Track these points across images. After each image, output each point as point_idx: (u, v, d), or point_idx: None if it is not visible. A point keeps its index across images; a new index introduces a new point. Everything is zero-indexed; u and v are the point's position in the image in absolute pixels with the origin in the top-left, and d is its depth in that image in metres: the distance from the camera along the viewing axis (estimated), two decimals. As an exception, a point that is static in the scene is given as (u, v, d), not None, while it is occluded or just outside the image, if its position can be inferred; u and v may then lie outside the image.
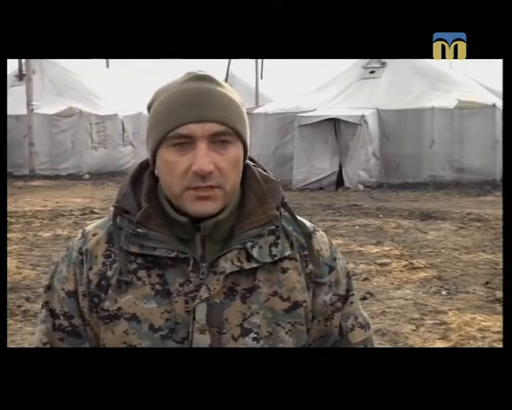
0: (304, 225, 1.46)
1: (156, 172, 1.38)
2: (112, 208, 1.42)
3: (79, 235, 1.45)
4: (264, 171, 1.46)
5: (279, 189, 1.43)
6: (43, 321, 1.45)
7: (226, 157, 1.33)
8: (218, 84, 1.36)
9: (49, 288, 1.45)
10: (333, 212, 11.70)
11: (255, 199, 1.40)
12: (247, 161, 1.42)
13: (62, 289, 1.41)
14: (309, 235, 1.45)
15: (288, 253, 1.40)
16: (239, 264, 1.36)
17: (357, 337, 1.48)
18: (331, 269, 1.46)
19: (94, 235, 1.42)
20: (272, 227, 1.38)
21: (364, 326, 1.50)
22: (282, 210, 1.43)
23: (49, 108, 18.48)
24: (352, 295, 1.50)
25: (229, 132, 1.33)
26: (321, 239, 1.47)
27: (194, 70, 1.38)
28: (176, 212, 1.36)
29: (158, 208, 1.38)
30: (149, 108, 1.39)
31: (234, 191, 1.37)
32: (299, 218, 1.47)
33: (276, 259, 1.38)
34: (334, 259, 1.47)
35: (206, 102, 1.32)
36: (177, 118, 1.31)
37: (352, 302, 1.49)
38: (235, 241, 1.37)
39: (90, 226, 1.46)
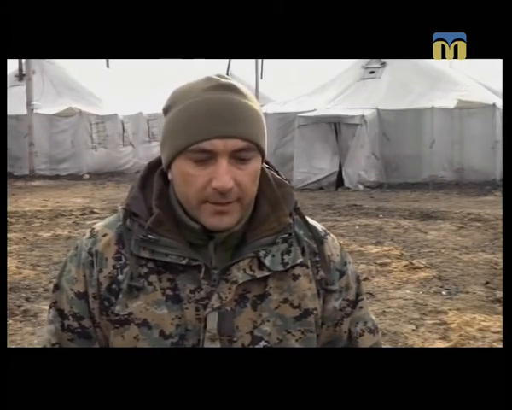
0: (315, 229, 1.44)
1: (170, 176, 1.36)
2: (121, 210, 1.39)
3: (88, 234, 1.42)
4: (277, 173, 1.43)
5: (292, 193, 1.41)
6: (51, 321, 1.42)
7: (246, 172, 1.30)
8: (242, 94, 1.31)
9: (57, 287, 1.42)
10: (333, 212, 11.70)
11: (268, 205, 1.37)
12: None
13: (71, 290, 1.39)
14: (320, 240, 1.43)
15: (299, 260, 1.38)
16: (251, 272, 1.34)
17: (366, 342, 1.47)
18: (341, 274, 1.44)
19: (104, 235, 1.39)
20: (285, 235, 1.36)
21: (373, 331, 1.49)
22: (294, 214, 1.41)
23: (49, 108, 18.47)
24: (362, 299, 1.48)
25: (251, 148, 1.30)
26: (332, 244, 1.45)
27: (213, 75, 1.33)
28: (189, 218, 1.34)
29: (169, 213, 1.36)
30: (166, 110, 1.35)
31: (251, 202, 1.36)
32: (310, 222, 1.45)
33: (287, 267, 1.37)
34: (345, 263, 1.46)
35: (231, 117, 1.28)
36: (199, 132, 1.28)
37: (361, 307, 1.48)
38: (247, 249, 1.35)
39: (99, 225, 1.43)
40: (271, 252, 1.35)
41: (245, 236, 1.36)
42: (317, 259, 1.41)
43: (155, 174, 1.40)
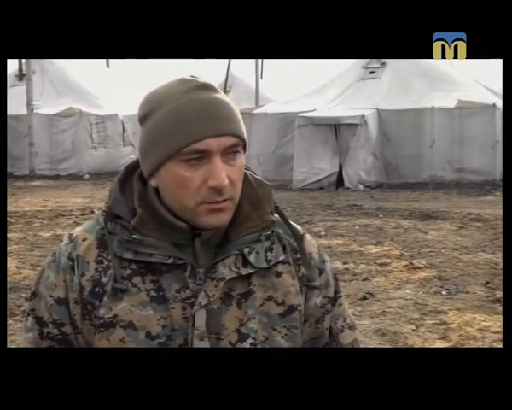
0: (295, 228, 1.46)
1: (154, 183, 1.34)
2: (101, 213, 1.38)
3: (66, 240, 1.40)
4: (254, 174, 1.44)
5: (272, 193, 1.43)
6: (29, 329, 1.39)
7: (236, 168, 1.31)
8: (219, 92, 1.33)
9: (34, 295, 1.39)
10: (333, 212, 11.70)
11: (249, 204, 1.38)
12: None
13: (51, 296, 1.36)
14: (300, 238, 1.45)
15: (281, 257, 1.39)
16: (236, 270, 1.35)
17: (347, 339, 1.49)
18: (321, 272, 1.46)
19: (84, 240, 1.37)
20: (269, 232, 1.38)
21: (352, 327, 1.51)
22: (274, 213, 1.42)
23: (49, 108, 18.48)
24: (340, 296, 1.50)
25: (240, 144, 1.32)
26: (310, 242, 1.47)
27: (187, 76, 1.33)
28: (175, 217, 1.34)
29: (151, 213, 1.35)
30: (145, 118, 1.35)
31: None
32: (289, 221, 1.46)
33: (271, 264, 1.38)
34: (323, 261, 1.48)
35: (219, 115, 1.29)
36: (191, 133, 1.27)
37: (340, 304, 1.50)
38: (231, 246, 1.35)
39: (78, 231, 1.41)
40: (255, 249, 1.36)
41: (227, 234, 1.37)
42: (298, 256, 1.43)
43: (134, 177, 1.40)
